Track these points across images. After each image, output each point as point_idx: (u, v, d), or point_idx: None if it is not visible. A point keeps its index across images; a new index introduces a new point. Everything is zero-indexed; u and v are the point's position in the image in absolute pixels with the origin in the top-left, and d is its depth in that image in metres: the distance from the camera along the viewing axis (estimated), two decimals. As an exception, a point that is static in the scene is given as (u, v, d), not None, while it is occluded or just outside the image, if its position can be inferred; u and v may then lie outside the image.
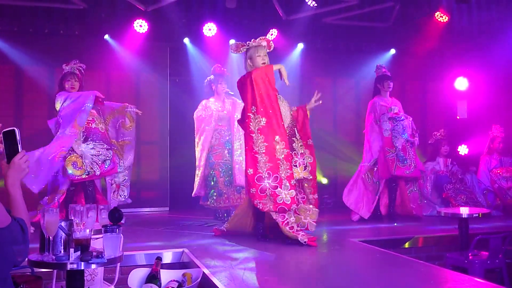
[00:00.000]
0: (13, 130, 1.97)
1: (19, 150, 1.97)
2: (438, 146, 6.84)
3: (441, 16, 7.34)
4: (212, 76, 6.22)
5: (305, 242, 4.24)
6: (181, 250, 4.23)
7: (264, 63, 4.65)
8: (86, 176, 5.31)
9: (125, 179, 5.74)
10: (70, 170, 5.23)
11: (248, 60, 4.74)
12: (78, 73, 5.53)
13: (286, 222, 4.38)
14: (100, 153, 5.38)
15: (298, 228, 4.41)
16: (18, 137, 1.97)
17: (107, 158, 5.41)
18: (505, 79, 7.46)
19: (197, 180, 6.06)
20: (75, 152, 5.29)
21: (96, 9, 6.88)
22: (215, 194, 5.96)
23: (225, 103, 6.15)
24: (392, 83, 6.23)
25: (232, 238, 4.70)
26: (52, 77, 7.03)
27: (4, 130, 1.99)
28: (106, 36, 7.13)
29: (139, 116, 6.01)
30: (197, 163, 6.12)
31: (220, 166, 6.00)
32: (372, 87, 6.37)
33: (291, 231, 4.34)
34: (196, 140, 6.14)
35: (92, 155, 5.33)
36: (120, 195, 5.68)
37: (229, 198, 5.95)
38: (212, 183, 5.98)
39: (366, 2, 6.96)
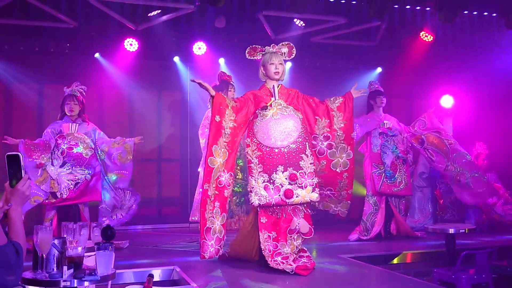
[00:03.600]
0: (17, 155, 2.02)
1: (22, 175, 2.02)
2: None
3: (426, 36, 7.51)
4: (217, 83, 5.77)
5: (292, 270, 3.85)
6: (171, 267, 4.24)
7: (277, 72, 4.26)
8: (54, 200, 5.18)
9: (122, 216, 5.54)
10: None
11: (261, 68, 4.34)
12: (79, 95, 5.43)
13: (277, 252, 4.01)
14: (77, 178, 5.22)
15: (296, 256, 4.05)
16: (22, 163, 2.02)
17: (80, 181, 5.23)
18: (489, 97, 7.63)
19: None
20: (50, 176, 5.20)
21: (86, 27, 6.94)
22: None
23: None
24: (385, 98, 6.21)
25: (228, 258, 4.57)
26: (42, 95, 7.07)
27: (8, 154, 2.04)
28: (97, 55, 7.19)
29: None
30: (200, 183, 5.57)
31: (233, 184, 5.24)
32: (365, 104, 6.29)
33: (284, 261, 3.96)
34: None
35: (68, 180, 5.20)
36: (116, 215, 5.53)
37: (240, 220, 5.40)
38: None
39: (353, 22, 7.10)
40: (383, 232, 5.97)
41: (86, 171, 5.29)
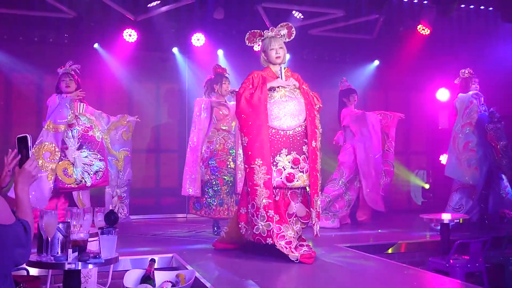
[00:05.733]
0: (26, 136, 2.08)
1: (29, 156, 2.08)
2: (467, 84, 6.27)
3: (423, 29, 7.57)
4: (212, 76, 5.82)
5: (297, 259, 3.88)
6: (170, 255, 4.30)
7: (278, 57, 4.24)
8: (76, 186, 5.06)
9: (124, 196, 5.51)
10: (60, 176, 4.98)
11: (262, 54, 4.33)
12: (73, 73, 5.35)
13: (281, 235, 4.00)
14: (93, 163, 5.12)
15: (298, 243, 4.06)
16: (29, 144, 2.08)
17: (100, 169, 5.15)
18: (485, 90, 7.68)
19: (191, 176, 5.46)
20: (67, 158, 5.04)
21: (86, 18, 6.94)
22: (215, 203, 5.45)
23: (228, 105, 5.67)
24: (357, 96, 6.61)
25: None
26: (42, 85, 7.09)
27: (18, 136, 2.10)
28: (96, 45, 7.21)
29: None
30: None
31: (224, 174, 5.49)
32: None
33: (287, 245, 3.97)
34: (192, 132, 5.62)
35: (84, 163, 5.07)
36: (120, 213, 5.51)
37: (229, 209, 5.43)
38: (213, 191, 5.48)
39: (351, 15, 7.16)
40: (350, 220, 6.48)
41: (98, 156, 5.18)
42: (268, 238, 3.98)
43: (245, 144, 4.09)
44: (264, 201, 3.95)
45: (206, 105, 5.58)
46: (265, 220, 3.97)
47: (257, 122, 4.04)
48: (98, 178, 5.14)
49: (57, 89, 5.37)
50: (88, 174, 5.08)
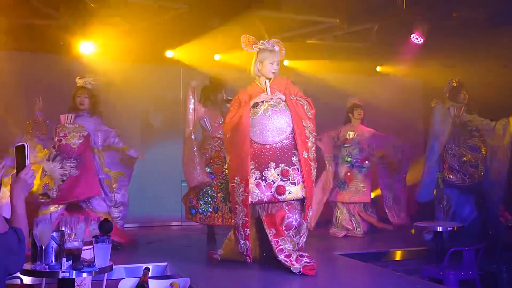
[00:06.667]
0: (23, 145, 2.10)
1: (26, 165, 2.09)
2: (456, 93, 6.20)
3: (417, 38, 7.62)
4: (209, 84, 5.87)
5: (299, 271, 3.77)
6: (165, 263, 4.29)
7: (274, 72, 4.20)
8: (48, 200, 4.73)
9: (118, 217, 5.22)
10: (37, 192, 4.72)
11: (258, 64, 4.24)
12: (90, 87, 5.21)
13: (279, 248, 3.93)
14: (67, 172, 4.85)
15: (298, 254, 3.91)
16: (26, 152, 2.10)
17: (65, 178, 4.82)
18: (478, 98, 7.74)
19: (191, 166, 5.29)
20: (46, 172, 4.77)
21: (80, 25, 6.94)
22: (210, 209, 5.41)
23: (223, 113, 5.53)
24: (362, 111, 6.58)
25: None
26: (35, 93, 7.04)
27: (17, 144, 2.12)
28: (90, 51, 7.21)
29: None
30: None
31: (219, 180, 5.43)
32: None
33: (287, 259, 3.88)
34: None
35: (61, 174, 4.80)
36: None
37: (223, 217, 5.38)
38: (208, 196, 5.42)
39: (347, 23, 7.21)
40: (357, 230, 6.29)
41: (74, 164, 4.91)
42: (247, 257, 4.03)
43: (228, 164, 4.19)
44: (241, 219, 3.99)
45: (187, 94, 5.48)
46: (243, 238, 4.01)
47: (238, 141, 4.07)
48: (58, 188, 4.78)
49: (73, 102, 5.26)
50: (58, 185, 4.79)
